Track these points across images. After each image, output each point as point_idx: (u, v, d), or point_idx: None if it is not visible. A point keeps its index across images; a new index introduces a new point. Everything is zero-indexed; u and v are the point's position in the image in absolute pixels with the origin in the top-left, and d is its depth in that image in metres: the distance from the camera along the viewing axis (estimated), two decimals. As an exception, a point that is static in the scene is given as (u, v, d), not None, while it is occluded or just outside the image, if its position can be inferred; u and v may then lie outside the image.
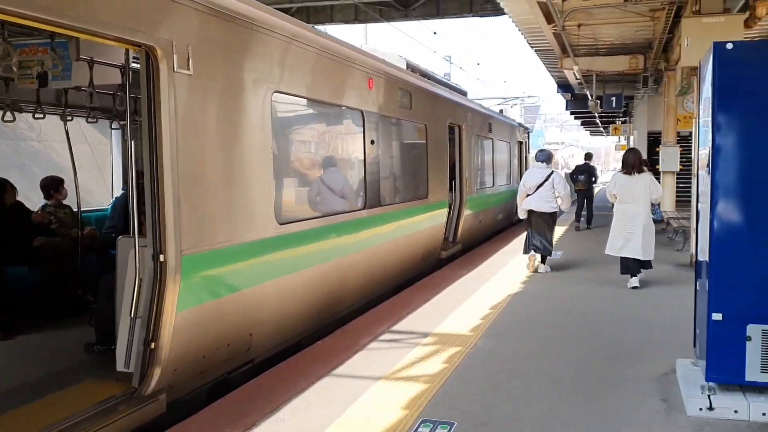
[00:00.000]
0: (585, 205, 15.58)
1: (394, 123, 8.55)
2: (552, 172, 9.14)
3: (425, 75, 10.80)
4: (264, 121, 5.27)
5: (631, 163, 8.08)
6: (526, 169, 19.64)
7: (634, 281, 8.06)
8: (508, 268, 9.65)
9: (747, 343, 3.82)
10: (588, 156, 17.24)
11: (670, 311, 6.86)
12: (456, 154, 11.67)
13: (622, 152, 38.57)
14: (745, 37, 8.82)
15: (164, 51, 4.16)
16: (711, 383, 3.98)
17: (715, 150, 3.91)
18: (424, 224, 9.53)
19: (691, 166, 26.94)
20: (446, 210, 10.60)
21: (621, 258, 8.16)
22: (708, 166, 3.95)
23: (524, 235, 9.60)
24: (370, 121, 7.36)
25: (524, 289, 8.19)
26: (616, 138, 50.40)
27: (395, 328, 6.25)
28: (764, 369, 3.79)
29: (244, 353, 5.30)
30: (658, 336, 5.92)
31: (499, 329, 6.19)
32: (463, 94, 13.85)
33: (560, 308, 7.11)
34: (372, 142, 7.41)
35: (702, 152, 4.40)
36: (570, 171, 18.37)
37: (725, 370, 3.89)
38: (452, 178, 11.37)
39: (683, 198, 24.94)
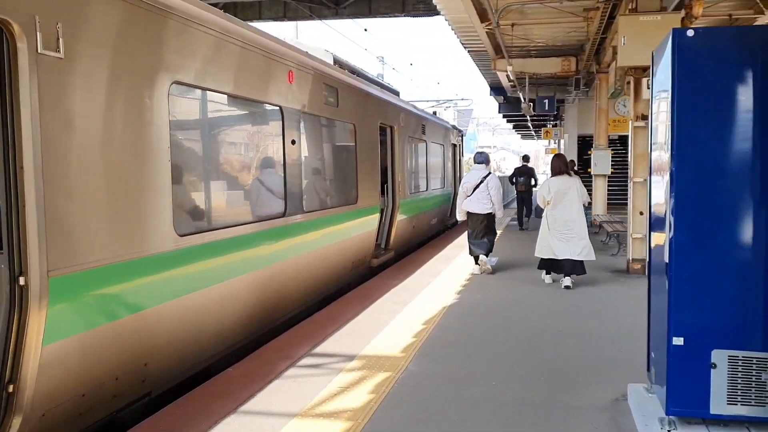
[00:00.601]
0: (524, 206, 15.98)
1: (319, 122, 7.90)
2: (488, 174, 9.17)
3: (354, 72, 10.19)
4: (159, 116, 4.50)
5: (560, 168, 8.28)
6: (460, 173, 19.44)
7: (568, 281, 8.18)
8: (443, 277, 9.14)
9: (711, 371, 3.34)
10: (526, 158, 17.25)
11: (614, 324, 6.46)
12: (388, 156, 11.11)
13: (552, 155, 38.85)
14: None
15: (24, 27, 3.38)
16: (671, 416, 3.49)
17: (676, 149, 3.42)
18: (354, 231, 8.91)
19: (622, 169, 27.35)
20: (378, 216, 10.01)
21: (552, 260, 8.26)
22: (669, 167, 3.45)
23: (459, 240, 9.78)
24: (290, 119, 6.67)
25: (460, 299, 7.67)
26: (546, 142, 51.35)
27: (318, 349, 5.58)
28: (731, 401, 3.33)
29: (138, 386, 4.52)
30: (604, 353, 5.47)
31: (434, 348, 5.61)
32: (396, 94, 13.31)
33: (499, 321, 6.61)
34: (293, 142, 6.71)
35: (658, 153, 3.93)
36: (503, 174, 18.83)
37: (687, 402, 3.40)
38: (384, 181, 10.81)
39: (616, 201, 25.35)
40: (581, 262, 8.13)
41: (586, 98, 23.00)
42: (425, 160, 13.96)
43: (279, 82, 6.43)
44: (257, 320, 6.17)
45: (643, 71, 8.97)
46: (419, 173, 13.50)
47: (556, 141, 31.15)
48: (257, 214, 6.17)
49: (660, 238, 3.72)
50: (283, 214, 6.49)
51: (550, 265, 8.38)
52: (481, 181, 8.99)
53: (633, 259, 9.11)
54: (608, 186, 17.68)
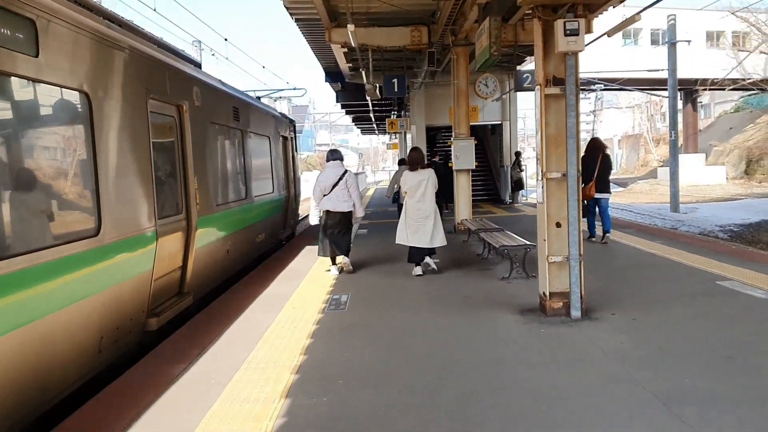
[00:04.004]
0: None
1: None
2: (346, 171, 8.89)
3: (107, 16, 6.20)
4: None
5: (417, 161, 8.59)
6: (295, 173, 15.83)
7: (418, 270, 8.53)
8: (271, 336, 5.53)
9: None
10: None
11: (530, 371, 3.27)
12: (177, 151, 7.26)
13: (394, 151, 37.02)
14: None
15: None
16: None
17: None
18: (98, 284, 5.04)
19: (488, 161, 25.22)
20: (151, 248, 6.13)
21: (412, 252, 8.54)
22: None
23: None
24: None
25: (312, 368, 4.12)
26: (387, 138, 49.13)
27: None
28: None
29: None
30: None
31: None
32: (196, 65, 9.43)
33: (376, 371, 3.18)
34: None
35: None
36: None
37: None
38: (170, 189, 6.98)
39: (480, 197, 23.06)
40: (434, 249, 8.59)
41: (434, 83, 20.38)
42: (243, 158, 10.19)
43: None
44: None
45: (554, 11, 5.94)
46: (234, 176, 9.72)
47: (403, 133, 28.55)
48: None
49: None
50: None
51: (412, 256, 8.60)
52: (340, 179, 8.73)
53: (551, 294, 6.06)
54: (474, 182, 15.07)
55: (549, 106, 6.03)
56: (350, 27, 9.85)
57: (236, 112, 9.87)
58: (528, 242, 8.23)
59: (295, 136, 16.09)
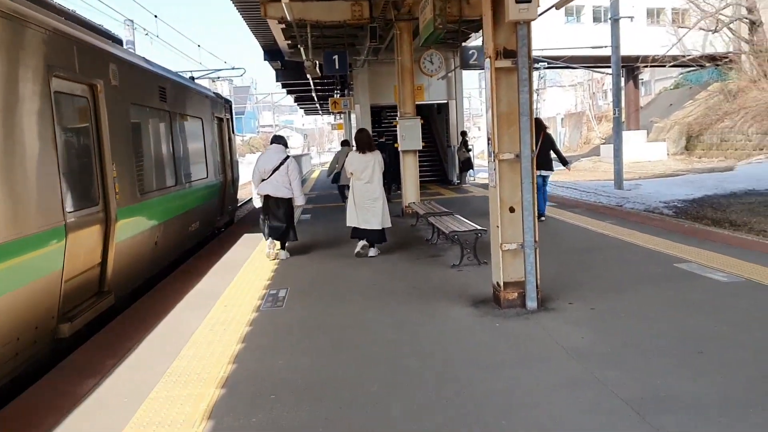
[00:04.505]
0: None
1: None
2: (287, 156, 8.62)
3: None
4: None
5: (366, 142, 8.48)
6: (232, 156, 15.04)
7: (373, 251, 8.52)
8: (206, 334, 4.91)
9: None
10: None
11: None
12: (92, 136, 6.50)
13: (339, 132, 36.38)
14: None
15: None
16: None
17: None
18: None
19: (435, 142, 24.75)
20: (59, 245, 5.41)
21: (358, 228, 8.45)
22: None
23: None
24: None
25: (242, 381, 3.55)
26: (331, 118, 48.20)
27: None
28: None
29: None
30: None
31: None
32: (116, 42, 8.59)
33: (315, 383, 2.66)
34: None
35: None
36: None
37: None
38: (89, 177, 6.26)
39: (428, 178, 22.60)
40: (383, 231, 8.47)
41: (378, 61, 19.78)
42: (171, 141, 9.41)
43: None
44: None
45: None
46: (162, 161, 8.96)
47: (347, 113, 27.90)
48: None
49: None
50: None
51: (360, 233, 8.51)
52: (281, 164, 8.42)
53: (506, 284, 5.62)
54: (421, 164, 14.57)
55: (500, 81, 5.54)
56: (285, 12, 9.15)
57: (163, 93, 9.07)
58: (479, 227, 7.80)
59: (232, 118, 15.26)
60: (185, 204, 10.02)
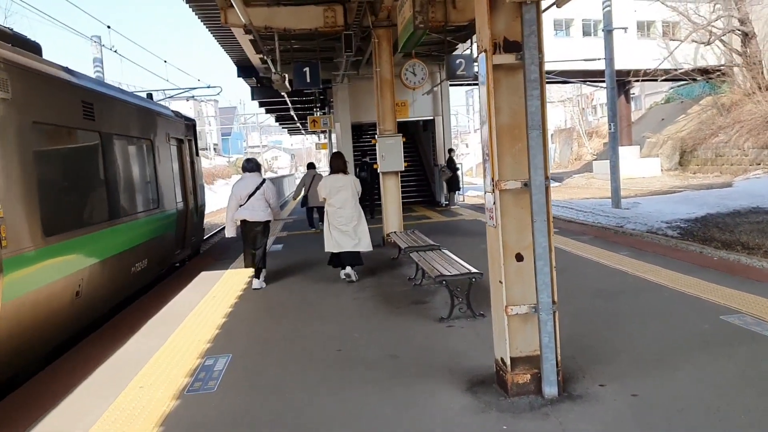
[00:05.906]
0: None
1: None
2: (263, 180, 8.44)
3: None
4: None
5: (340, 168, 8.36)
6: (194, 181, 13.49)
7: (352, 274, 8.29)
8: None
9: None
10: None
11: None
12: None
13: (324, 152, 34.84)
14: None
15: None
16: None
17: None
18: None
19: (421, 161, 23.26)
20: None
21: (336, 254, 8.34)
22: None
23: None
24: None
25: None
26: (316, 138, 46.77)
27: None
28: None
29: None
30: None
31: None
32: (31, 48, 7.08)
33: None
34: None
35: None
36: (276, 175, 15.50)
37: None
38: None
39: (413, 200, 21.12)
40: (358, 253, 8.34)
41: (358, 76, 18.41)
42: (102, 168, 7.85)
43: None
44: None
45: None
46: (84, 192, 7.40)
47: (327, 132, 26.47)
48: None
49: None
50: None
51: (337, 259, 8.42)
52: (257, 188, 8.30)
53: (514, 361, 4.08)
54: (404, 186, 13.09)
55: (499, 83, 4.06)
56: (245, 18, 7.71)
57: (89, 109, 7.54)
58: (473, 269, 6.29)
59: (195, 139, 13.72)
60: (125, 241, 8.46)
